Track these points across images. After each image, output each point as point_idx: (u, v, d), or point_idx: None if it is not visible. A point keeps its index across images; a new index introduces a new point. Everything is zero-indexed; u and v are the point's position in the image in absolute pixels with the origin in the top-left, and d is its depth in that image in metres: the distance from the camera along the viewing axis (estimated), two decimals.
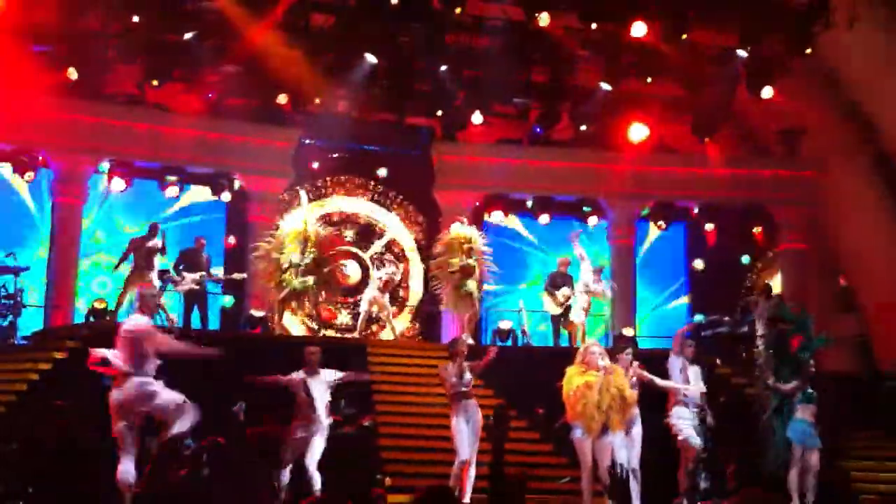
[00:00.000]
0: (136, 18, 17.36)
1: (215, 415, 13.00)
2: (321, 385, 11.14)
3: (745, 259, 21.58)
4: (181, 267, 16.50)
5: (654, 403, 12.07)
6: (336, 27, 18.24)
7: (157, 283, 15.78)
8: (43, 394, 13.36)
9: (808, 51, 18.33)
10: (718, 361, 15.77)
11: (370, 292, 17.07)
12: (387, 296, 17.17)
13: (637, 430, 11.65)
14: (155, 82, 18.23)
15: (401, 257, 20.60)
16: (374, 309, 17.32)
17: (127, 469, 9.42)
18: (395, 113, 19.96)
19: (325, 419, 11.11)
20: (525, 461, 13.41)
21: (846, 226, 20.03)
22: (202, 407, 13.04)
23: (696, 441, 11.79)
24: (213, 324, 18.40)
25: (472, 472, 11.23)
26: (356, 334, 16.88)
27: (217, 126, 18.92)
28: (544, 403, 14.13)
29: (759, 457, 12.72)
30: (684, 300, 21.74)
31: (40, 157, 18.06)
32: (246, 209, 19.48)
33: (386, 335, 18.56)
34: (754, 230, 21.41)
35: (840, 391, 14.00)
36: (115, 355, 9.48)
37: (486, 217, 20.27)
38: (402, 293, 20.39)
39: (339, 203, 20.88)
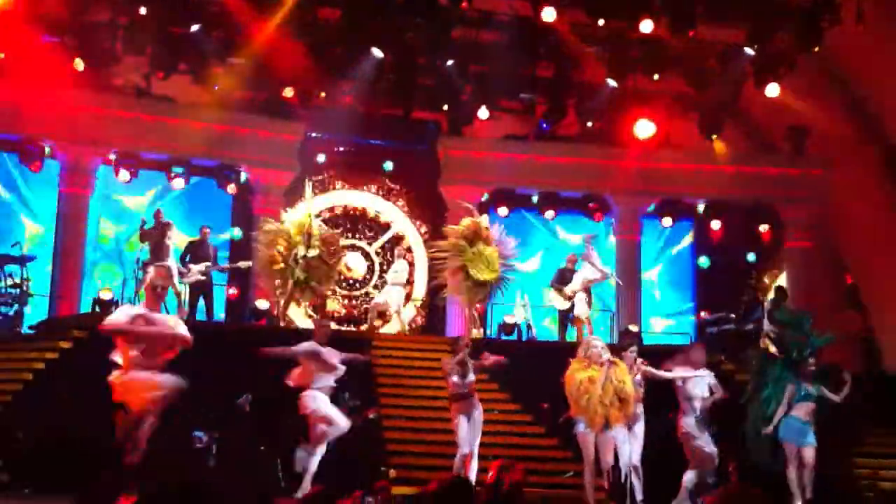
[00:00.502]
0: (143, 10, 17.36)
1: (221, 406, 13.12)
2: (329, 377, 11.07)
3: (752, 257, 21.55)
4: (187, 258, 16.55)
5: (660, 399, 12.08)
6: (342, 21, 18.23)
7: (173, 269, 15.84)
8: (48, 383, 13.41)
9: (816, 49, 18.30)
10: (723, 358, 15.74)
11: (391, 291, 16.99)
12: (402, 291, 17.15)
13: (639, 427, 11.66)
14: (161, 74, 18.26)
15: (406, 251, 20.58)
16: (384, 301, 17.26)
17: None
18: (401, 107, 19.93)
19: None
20: (530, 455, 13.46)
21: (853, 224, 20.01)
22: (208, 399, 13.15)
23: (712, 450, 11.79)
24: (219, 315, 18.43)
25: (475, 464, 11.24)
26: (365, 327, 16.86)
27: (223, 119, 18.90)
28: (549, 398, 14.15)
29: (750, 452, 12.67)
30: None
31: (47, 148, 18.04)
32: (251, 202, 19.45)
33: (389, 328, 18.60)
34: (761, 228, 21.37)
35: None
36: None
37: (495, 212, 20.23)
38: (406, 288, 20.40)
39: (345, 196, 20.87)
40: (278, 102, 19.12)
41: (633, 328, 17.69)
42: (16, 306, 15.81)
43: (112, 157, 18.41)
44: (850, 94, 19.33)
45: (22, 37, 16.83)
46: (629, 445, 11.35)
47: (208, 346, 14.20)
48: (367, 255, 20.54)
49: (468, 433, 11.18)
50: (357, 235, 20.53)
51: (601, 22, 18.32)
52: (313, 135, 20.08)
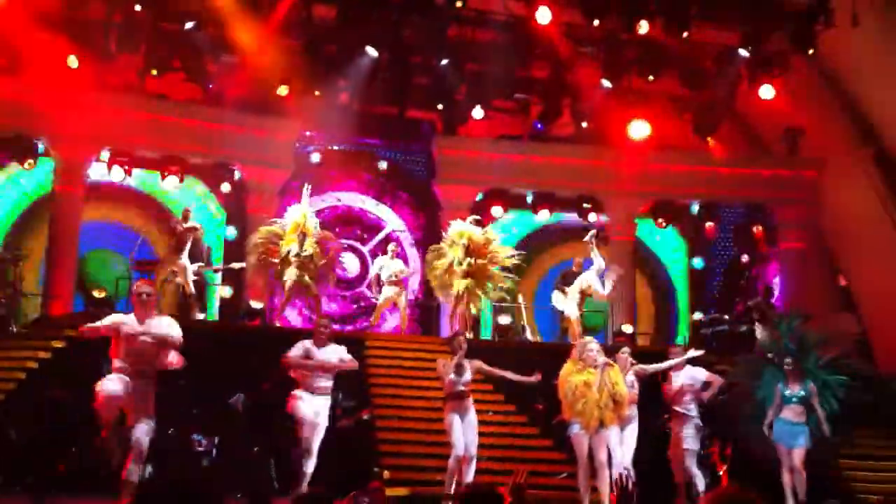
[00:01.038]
0: (137, 7, 17.31)
1: (215, 407, 13.11)
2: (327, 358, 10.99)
3: (745, 258, 21.59)
4: None
5: (652, 398, 12.13)
6: (337, 20, 18.21)
7: (188, 266, 15.84)
8: (41, 383, 13.37)
9: (811, 51, 18.34)
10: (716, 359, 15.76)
11: (390, 289, 16.96)
12: (399, 289, 17.09)
13: (632, 429, 11.68)
14: (155, 72, 18.21)
15: (399, 251, 20.55)
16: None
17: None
18: (396, 107, 19.93)
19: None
20: (524, 456, 13.46)
21: (845, 225, 20.04)
22: (202, 399, 13.14)
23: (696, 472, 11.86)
24: (212, 315, 18.42)
25: (473, 466, 11.22)
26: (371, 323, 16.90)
27: (217, 117, 18.85)
28: (544, 399, 14.17)
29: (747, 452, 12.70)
30: None
31: (41, 146, 17.97)
32: (245, 200, 19.40)
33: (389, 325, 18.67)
34: (754, 229, 21.40)
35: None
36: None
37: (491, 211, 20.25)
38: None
39: (339, 196, 20.85)
40: (273, 101, 19.05)
41: (627, 329, 17.71)
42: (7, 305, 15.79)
43: (105, 155, 18.32)
44: (844, 96, 19.36)
45: (16, 33, 16.76)
46: (621, 447, 11.39)
47: (202, 347, 14.25)
48: (361, 255, 20.52)
49: (463, 434, 11.15)
50: (351, 235, 20.50)
51: (596, 23, 18.34)
52: (308, 133, 20.04)
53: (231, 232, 19.47)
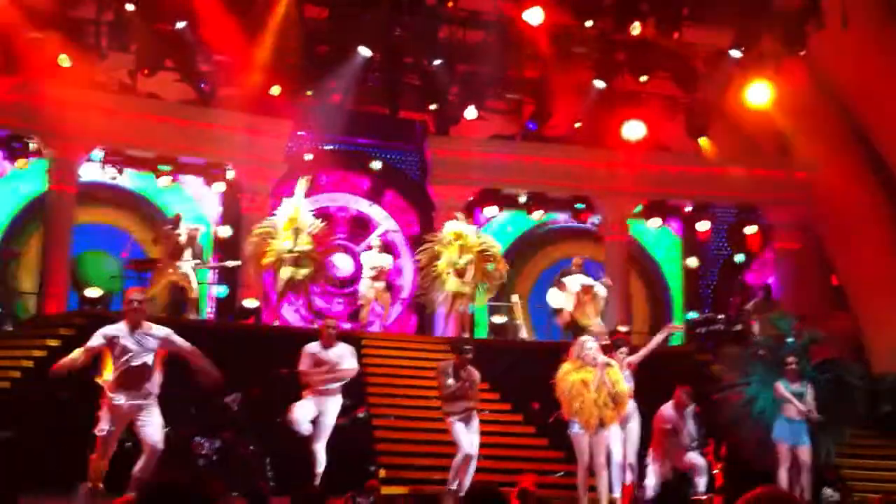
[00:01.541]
0: (129, 7, 17.26)
1: (210, 406, 13.07)
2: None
3: (739, 258, 21.65)
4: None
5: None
6: (330, 20, 18.20)
7: (189, 271, 15.79)
8: (37, 382, 13.29)
9: (802, 52, 18.43)
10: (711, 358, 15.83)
11: (367, 283, 16.89)
12: (384, 284, 17.02)
13: (633, 424, 11.73)
14: (147, 71, 18.16)
15: (392, 251, 20.54)
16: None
17: None
18: (388, 107, 19.92)
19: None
20: (521, 455, 13.50)
21: (839, 225, 20.12)
22: (197, 399, 13.09)
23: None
24: (203, 314, 18.35)
25: (473, 465, 11.23)
26: (361, 322, 16.80)
27: (210, 116, 18.81)
28: (540, 398, 14.18)
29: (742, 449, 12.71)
30: None
31: (33, 145, 17.89)
32: (239, 200, 19.36)
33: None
34: (747, 230, 21.45)
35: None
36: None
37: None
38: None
39: (332, 196, 20.83)
40: (265, 101, 19.02)
41: (623, 328, 17.72)
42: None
43: (98, 154, 18.26)
44: (835, 96, 19.44)
45: (8, 32, 16.70)
46: (621, 445, 11.42)
47: (196, 346, 14.21)
48: (354, 255, 20.49)
49: (466, 433, 11.15)
50: (343, 235, 20.47)
51: (589, 23, 18.38)
52: (301, 133, 20.00)
53: (225, 231, 19.39)
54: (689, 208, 21.11)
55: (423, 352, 15.40)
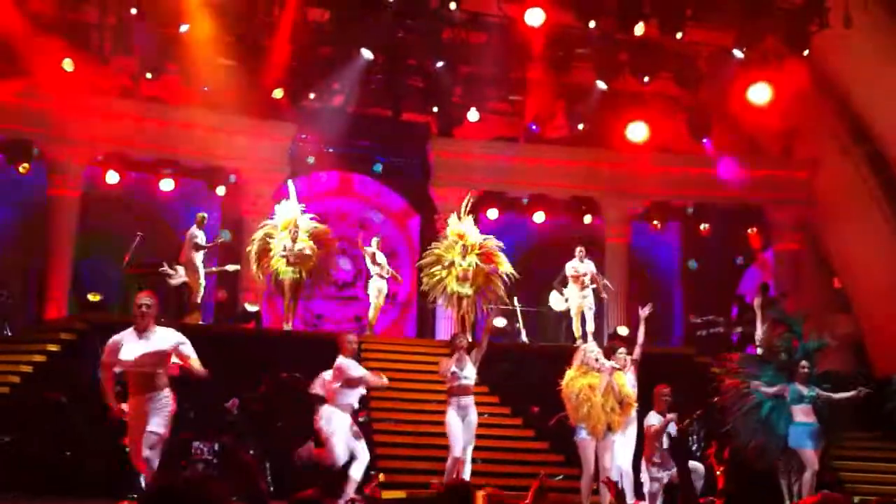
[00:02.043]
0: (133, 11, 17.29)
1: (210, 410, 13.10)
2: (354, 394, 10.95)
3: (740, 259, 21.59)
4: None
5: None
6: (332, 22, 18.20)
7: (201, 268, 15.87)
8: (37, 386, 13.34)
9: (804, 52, 18.36)
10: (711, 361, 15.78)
11: (376, 283, 16.85)
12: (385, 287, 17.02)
13: (632, 430, 11.69)
14: (149, 75, 18.20)
15: (394, 253, 20.55)
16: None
17: None
18: (390, 109, 19.92)
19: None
20: (520, 458, 13.47)
21: (840, 226, 20.06)
22: (198, 403, 13.12)
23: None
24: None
25: (468, 468, 11.23)
26: (368, 330, 16.74)
27: (212, 119, 18.85)
28: (540, 402, 14.18)
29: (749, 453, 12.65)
30: None
31: (35, 149, 17.94)
32: (240, 203, 19.37)
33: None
34: (748, 230, 21.40)
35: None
36: None
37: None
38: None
39: (334, 198, 20.84)
40: (268, 104, 19.04)
41: (623, 331, 17.70)
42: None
43: (100, 158, 18.31)
44: (837, 96, 19.38)
45: (12, 36, 16.76)
46: (622, 450, 11.40)
47: (197, 350, 14.23)
48: (354, 258, 20.49)
49: (461, 434, 11.15)
50: (345, 237, 20.46)
51: (592, 24, 18.34)
52: (303, 136, 20.01)
53: (226, 235, 19.38)
54: (690, 209, 20.98)
55: (424, 355, 15.37)
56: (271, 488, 12.37)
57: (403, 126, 20.59)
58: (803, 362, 12.28)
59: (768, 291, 17.44)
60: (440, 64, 18.96)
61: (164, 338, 8.91)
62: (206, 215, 16.35)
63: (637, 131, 19.74)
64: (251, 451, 12.70)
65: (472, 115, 19.85)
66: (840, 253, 20.35)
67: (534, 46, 19.06)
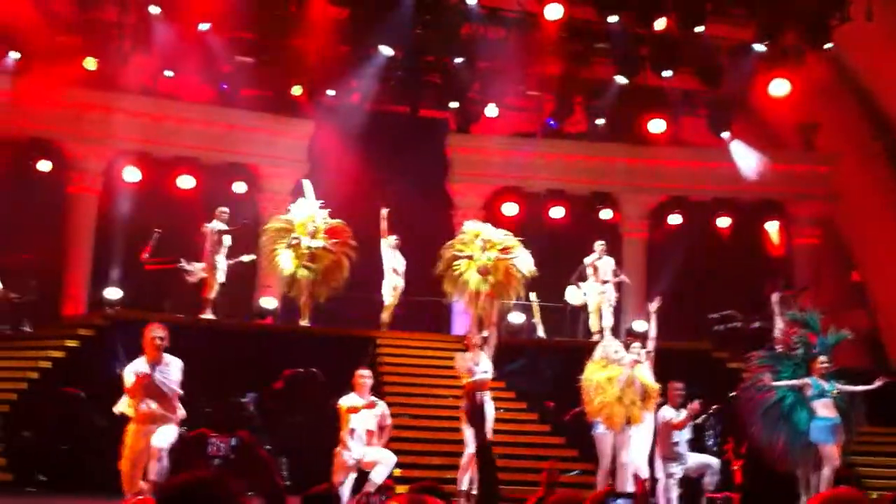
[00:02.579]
0: (151, 9, 17.38)
1: (227, 406, 13.18)
2: (368, 416, 10.69)
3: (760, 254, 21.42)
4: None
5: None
6: (351, 19, 18.22)
7: (222, 265, 15.86)
8: (56, 382, 13.46)
9: (826, 46, 18.21)
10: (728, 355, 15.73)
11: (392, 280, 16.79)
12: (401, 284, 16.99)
13: (648, 425, 11.65)
14: (169, 73, 18.30)
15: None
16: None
17: None
18: (409, 105, 19.91)
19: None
20: (536, 454, 13.47)
21: (860, 221, 19.92)
22: (214, 398, 13.21)
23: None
24: None
25: None
26: (383, 326, 16.72)
27: (231, 117, 18.95)
28: (555, 397, 14.18)
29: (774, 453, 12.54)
30: None
31: (55, 147, 18.08)
32: (258, 200, 19.43)
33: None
34: (768, 225, 21.22)
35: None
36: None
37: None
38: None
39: (350, 194, 20.79)
40: (286, 100, 19.10)
41: (639, 327, 17.64)
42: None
43: (119, 156, 18.42)
44: (859, 90, 19.23)
45: (31, 35, 16.91)
46: (637, 445, 11.38)
47: (213, 345, 14.35)
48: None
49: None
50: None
51: (612, 18, 18.27)
52: (321, 133, 20.03)
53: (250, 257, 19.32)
54: (709, 204, 20.83)
55: (439, 350, 15.38)
56: (288, 483, 12.43)
57: (422, 122, 20.54)
58: (822, 357, 12.20)
59: (785, 286, 17.32)
60: (458, 60, 18.94)
61: (176, 367, 9.15)
62: (227, 209, 16.35)
63: (654, 126, 19.67)
64: (268, 447, 12.77)
65: (491, 110, 19.81)
66: (860, 247, 20.20)
67: (553, 41, 19.01)
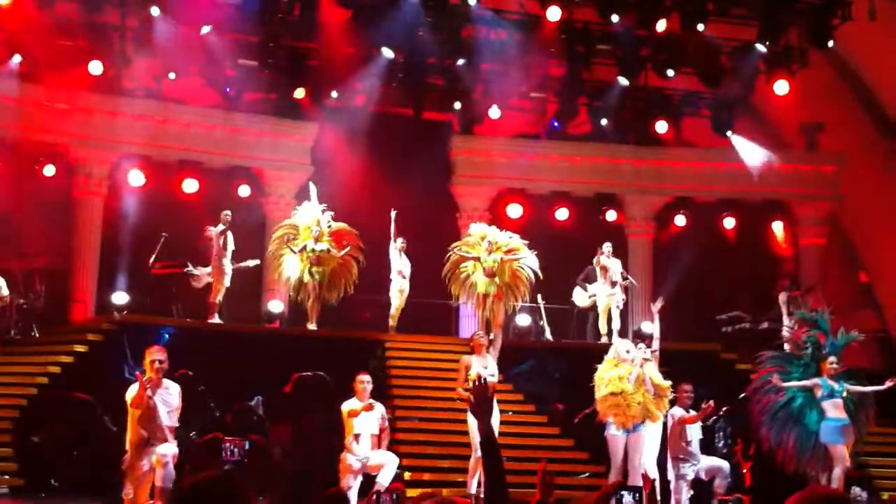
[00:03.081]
0: (153, 12, 17.36)
1: (238, 410, 13.17)
2: (371, 419, 10.92)
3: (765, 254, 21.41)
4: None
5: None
6: (353, 21, 18.22)
7: (228, 267, 15.85)
8: (64, 387, 13.46)
9: (829, 45, 18.22)
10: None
11: (398, 284, 16.77)
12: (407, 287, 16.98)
13: (657, 428, 11.65)
14: (172, 76, 18.29)
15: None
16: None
17: None
18: (412, 107, 19.90)
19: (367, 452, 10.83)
20: (545, 456, 13.42)
21: (866, 221, 19.91)
22: (222, 401, 13.20)
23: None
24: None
25: None
26: (391, 329, 16.68)
27: (235, 120, 18.95)
28: (564, 399, 14.17)
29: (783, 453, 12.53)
30: None
31: (60, 152, 18.08)
32: (263, 204, 19.42)
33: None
34: (774, 225, 21.22)
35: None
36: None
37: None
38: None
39: (354, 198, 20.77)
40: (290, 103, 19.10)
41: (647, 328, 17.65)
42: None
43: (124, 160, 18.41)
44: (863, 89, 19.24)
45: (34, 39, 16.90)
46: (647, 447, 11.39)
47: (221, 349, 14.35)
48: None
49: None
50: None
51: (614, 19, 18.27)
52: (325, 136, 20.02)
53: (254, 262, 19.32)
54: (714, 205, 20.82)
55: (447, 353, 15.37)
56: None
57: (425, 124, 20.52)
58: (832, 358, 12.19)
59: (793, 286, 17.33)
60: (461, 62, 18.94)
61: (175, 392, 9.31)
62: (229, 213, 16.34)
63: (658, 126, 19.68)
64: (281, 450, 12.76)
65: (494, 112, 19.81)
66: (867, 247, 20.20)
67: (555, 43, 19.01)
